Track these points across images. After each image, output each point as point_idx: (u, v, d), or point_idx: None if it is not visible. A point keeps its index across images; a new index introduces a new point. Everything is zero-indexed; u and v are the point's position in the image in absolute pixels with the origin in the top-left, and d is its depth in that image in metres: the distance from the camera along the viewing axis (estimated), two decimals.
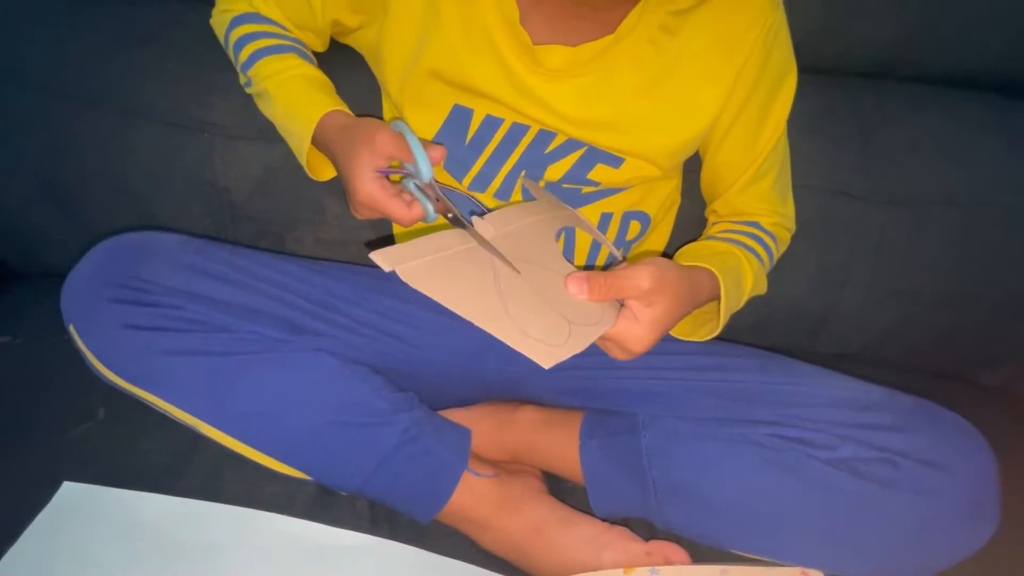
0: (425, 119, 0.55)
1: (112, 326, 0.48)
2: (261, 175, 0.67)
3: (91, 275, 0.50)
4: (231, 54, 0.59)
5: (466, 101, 0.54)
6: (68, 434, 0.53)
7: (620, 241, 0.62)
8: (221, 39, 0.60)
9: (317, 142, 0.53)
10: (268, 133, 0.64)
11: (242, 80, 0.60)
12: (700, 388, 0.52)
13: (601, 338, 0.45)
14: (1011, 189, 0.69)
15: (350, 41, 0.61)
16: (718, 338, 0.54)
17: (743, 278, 0.55)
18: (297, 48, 0.57)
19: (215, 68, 0.65)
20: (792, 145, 0.62)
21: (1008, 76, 0.72)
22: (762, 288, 0.59)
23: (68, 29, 0.65)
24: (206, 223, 0.68)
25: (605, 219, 0.59)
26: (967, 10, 0.68)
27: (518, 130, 0.55)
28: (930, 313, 0.72)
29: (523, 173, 0.56)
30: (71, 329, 0.49)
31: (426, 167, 0.48)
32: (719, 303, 0.52)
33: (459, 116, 0.55)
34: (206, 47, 0.65)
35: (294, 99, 0.54)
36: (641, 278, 0.44)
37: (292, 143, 0.56)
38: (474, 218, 0.48)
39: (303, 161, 0.54)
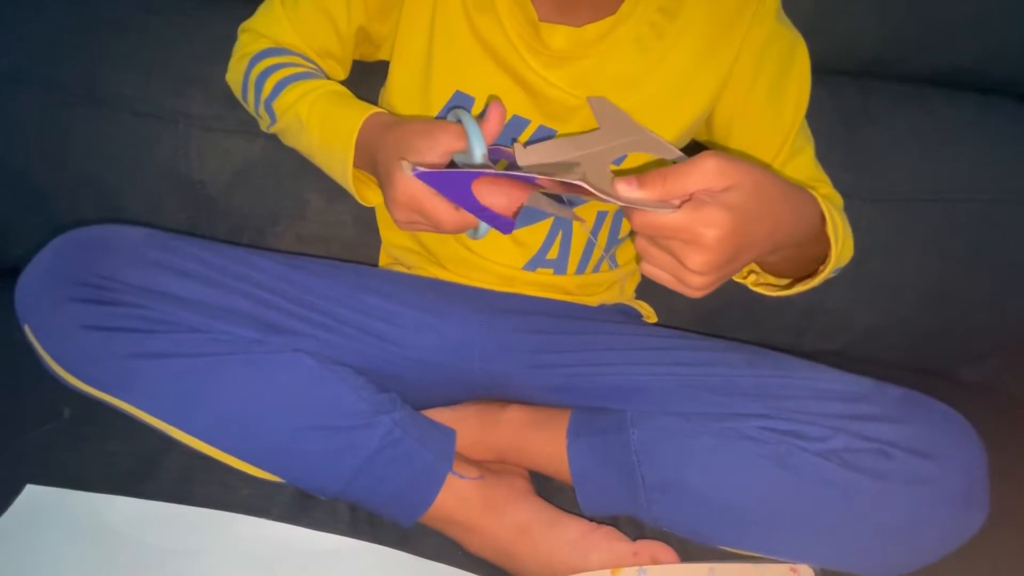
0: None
1: (71, 327, 0.46)
2: (239, 168, 0.65)
3: (47, 272, 0.47)
4: (252, 96, 0.56)
5: (469, 87, 0.53)
6: (31, 434, 0.51)
7: (613, 239, 0.61)
8: (240, 88, 0.57)
9: (360, 156, 0.50)
10: (247, 126, 0.63)
11: (265, 123, 0.57)
12: (689, 383, 0.51)
13: (667, 238, 0.38)
14: (992, 186, 0.70)
15: (382, 54, 0.60)
16: (705, 334, 0.53)
17: (836, 214, 0.49)
18: (321, 75, 0.56)
19: (192, 57, 0.64)
20: None
21: (989, 74, 0.73)
22: (850, 250, 0.53)
23: (36, 14, 0.63)
24: (180, 218, 0.66)
25: (600, 217, 0.59)
26: (950, 10, 0.69)
27: (517, 123, 0.54)
28: (913, 310, 0.73)
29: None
30: (26, 330, 0.47)
31: (479, 146, 0.44)
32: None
33: (459, 103, 0.54)
34: (183, 35, 0.64)
35: (330, 113, 0.52)
36: (705, 160, 0.37)
37: (334, 164, 0.52)
38: (516, 146, 0.44)
39: (349, 184, 0.51)
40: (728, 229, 0.37)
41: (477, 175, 0.43)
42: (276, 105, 0.54)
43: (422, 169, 0.42)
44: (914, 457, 0.45)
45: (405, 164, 0.43)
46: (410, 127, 0.47)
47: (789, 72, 0.56)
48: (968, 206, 0.70)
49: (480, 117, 0.45)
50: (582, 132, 0.49)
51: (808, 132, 0.59)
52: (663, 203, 0.38)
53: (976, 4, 0.68)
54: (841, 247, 0.49)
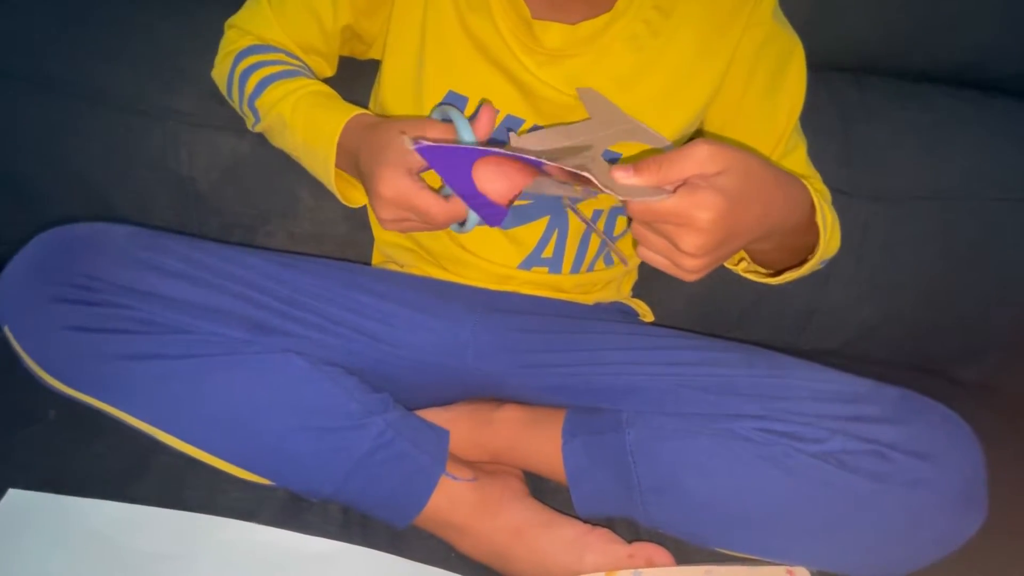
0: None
1: (53, 328, 0.45)
2: (229, 165, 0.64)
3: (28, 271, 0.46)
4: (236, 94, 0.55)
5: (462, 87, 0.53)
6: (15, 437, 0.50)
7: (608, 236, 0.60)
8: (225, 85, 0.56)
9: (343, 157, 0.49)
10: (237, 123, 0.62)
11: (250, 121, 0.57)
12: (685, 383, 0.50)
13: (662, 222, 0.39)
14: (991, 183, 0.70)
15: (373, 53, 0.59)
16: (702, 333, 0.53)
17: (826, 205, 0.50)
18: (306, 72, 0.55)
19: (181, 53, 0.63)
20: None
21: (988, 70, 0.73)
22: (837, 242, 0.54)
23: (22, 7, 0.62)
24: (169, 216, 0.65)
25: (595, 216, 0.58)
26: (949, 5, 0.68)
27: (511, 123, 0.54)
28: (911, 308, 0.73)
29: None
30: (6, 331, 0.46)
31: (467, 135, 0.43)
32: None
33: (452, 103, 0.53)
34: (172, 30, 0.63)
35: (313, 113, 0.51)
36: (697, 146, 0.38)
37: (317, 165, 0.52)
38: (511, 135, 0.44)
39: (332, 185, 0.51)
40: (721, 211, 0.38)
41: (484, 153, 0.41)
42: (259, 104, 0.54)
43: (425, 143, 0.41)
44: (912, 459, 0.45)
45: (406, 138, 0.42)
46: (397, 124, 0.46)
47: (785, 73, 0.56)
48: (967, 204, 0.70)
49: (472, 119, 0.45)
50: (574, 122, 0.49)
51: (801, 132, 0.59)
52: (658, 190, 0.39)
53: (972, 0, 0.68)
54: (829, 237, 0.50)
